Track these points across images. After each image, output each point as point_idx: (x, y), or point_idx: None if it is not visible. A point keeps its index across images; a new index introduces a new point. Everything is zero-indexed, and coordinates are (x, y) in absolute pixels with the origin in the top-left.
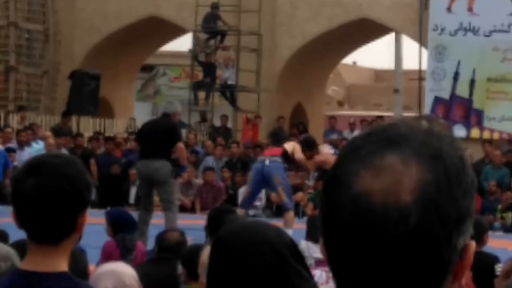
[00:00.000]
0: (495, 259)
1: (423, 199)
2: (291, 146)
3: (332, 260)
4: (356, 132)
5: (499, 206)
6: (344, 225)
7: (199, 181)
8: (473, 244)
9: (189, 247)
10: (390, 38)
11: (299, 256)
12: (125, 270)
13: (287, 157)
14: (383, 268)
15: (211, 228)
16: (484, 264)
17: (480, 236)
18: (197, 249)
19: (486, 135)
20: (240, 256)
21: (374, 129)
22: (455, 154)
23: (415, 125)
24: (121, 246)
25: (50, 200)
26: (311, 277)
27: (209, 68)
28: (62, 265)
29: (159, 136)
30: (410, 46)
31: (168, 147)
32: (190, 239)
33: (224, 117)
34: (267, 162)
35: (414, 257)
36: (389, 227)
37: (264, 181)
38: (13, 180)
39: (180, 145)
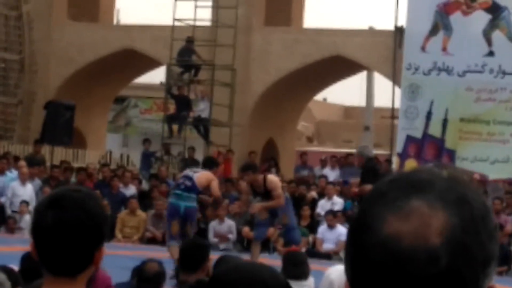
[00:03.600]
0: None
1: (452, 241)
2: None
3: None
4: (327, 169)
5: None
6: (374, 268)
7: None
8: (496, 287)
9: (196, 281)
10: (361, 75)
11: None
12: None
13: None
14: None
15: (182, 261)
16: None
17: None
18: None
19: None
20: None
21: (397, 176)
22: (479, 199)
23: (437, 172)
24: None
25: (70, 234)
26: None
27: (183, 101)
28: None
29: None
30: (381, 83)
31: None
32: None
33: (191, 149)
34: None
35: None
36: (419, 269)
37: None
38: (34, 213)
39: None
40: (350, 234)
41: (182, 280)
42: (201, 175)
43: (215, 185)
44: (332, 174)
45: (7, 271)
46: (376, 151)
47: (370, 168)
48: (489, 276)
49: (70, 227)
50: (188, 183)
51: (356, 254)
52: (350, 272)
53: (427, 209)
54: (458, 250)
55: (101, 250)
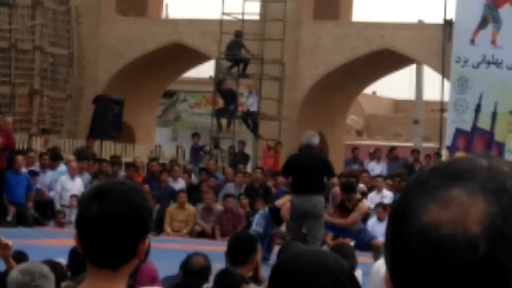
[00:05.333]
0: None
1: (491, 230)
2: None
3: None
4: (373, 162)
5: None
6: (412, 256)
7: (219, 207)
8: None
9: (222, 269)
10: (410, 68)
11: (356, 283)
12: None
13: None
14: None
15: (231, 254)
16: None
17: None
18: (226, 273)
19: None
20: (300, 281)
21: (438, 165)
22: None
23: (478, 162)
24: None
25: (114, 226)
26: None
27: (228, 95)
28: None
29: (314, 170)
30: (431, 77)
31: (323, 181)
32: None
33: (241, 143)
34: None
35: (482, 286)
36: (458, 257)
37: None
38: (79, 205)
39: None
40: (390, 222)
41: None
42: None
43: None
44: (378, 167)
45: (52, 264)
46: (425, 144)
47: (323, 162)
48: None
49: (114, 219)
50: None
51: (395, 243)
52: (390, 261)
53: (466, 197)
54: (497, 238)
55: (145, 243)
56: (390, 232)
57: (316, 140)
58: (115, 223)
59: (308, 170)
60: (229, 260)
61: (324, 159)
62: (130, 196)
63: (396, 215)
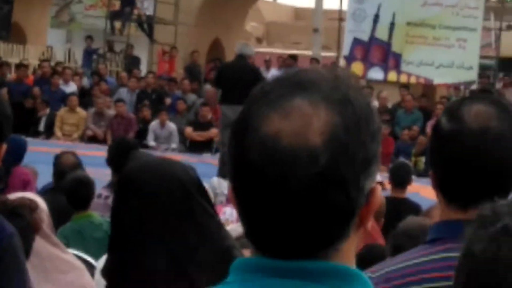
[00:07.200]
0: (418, 208)
1: (332, 141)
2: None
3: (241, 204)
4: (272, 70)
5: (413, 150)
6: (253, 168)
7: (111, 112)
8: (379, 188)
9: (71, 177)
10: None
11: (205, 193)
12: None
13: None
14: (292, 210)
15: (111, 161)
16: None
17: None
18: (78, 180)
19: (404, 79)
20: (147, 191)
21: (284, 75)
22: (363, 100)
23: (324, 72)
24: None
25: None
26: (216, 214)
27: None
28: None
29: (243, 80)
30: None
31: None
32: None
33: (130, 46)
34: None
35: (323, 199)
36: (298, 168)
37: None
38: None
39: None
40: (231, 134)
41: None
42: None
43: None
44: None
45: None
46: (324, 54)
47: (253, 72)
48: (370, 177)
49: None
50: None
51: (236, 155)
52: (232, 174)
53: (309, 108)
54: (339, 149)
55: (2, 148)
56: (232, 143)
57: (247, 50)
58: None
59: (237, 79)
60: (111, 168)
61: (254, 69)
62: None
63: (238, 125)
